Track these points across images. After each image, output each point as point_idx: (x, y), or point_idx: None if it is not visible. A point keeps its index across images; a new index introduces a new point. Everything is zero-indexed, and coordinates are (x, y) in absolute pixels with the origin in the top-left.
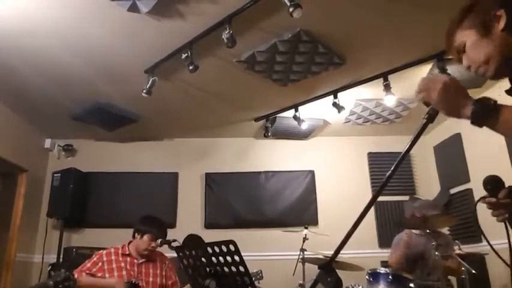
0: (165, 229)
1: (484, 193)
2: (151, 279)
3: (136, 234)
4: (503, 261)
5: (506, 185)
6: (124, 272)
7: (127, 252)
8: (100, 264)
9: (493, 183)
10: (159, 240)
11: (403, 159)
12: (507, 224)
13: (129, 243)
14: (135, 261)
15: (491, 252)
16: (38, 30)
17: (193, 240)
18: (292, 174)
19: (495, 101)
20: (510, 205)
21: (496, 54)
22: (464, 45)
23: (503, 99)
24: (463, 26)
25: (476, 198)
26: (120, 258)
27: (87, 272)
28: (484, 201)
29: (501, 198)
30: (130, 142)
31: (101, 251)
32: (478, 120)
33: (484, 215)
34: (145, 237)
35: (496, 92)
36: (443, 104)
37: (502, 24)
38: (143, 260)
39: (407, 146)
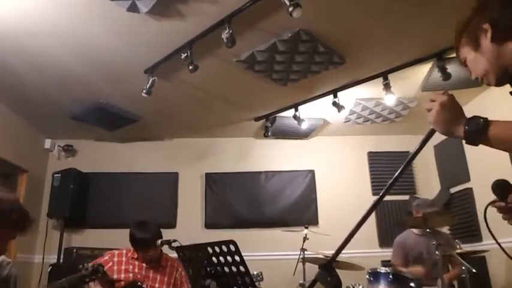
0: (156, 232)
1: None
2: (157, 285)
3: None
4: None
5: None
6: (131, 275)
7: (135, 256)
8: (110, 263)
9: (501, 188)
10: (159, 241)
11: (409, 164)
12: None
13: None
14: (143, 265)
15: (492, 251)
16: (38, 30)
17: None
18: (292, 174)
19: (485, 119)
20: None
21: (491, 66)
22: (465, 60)
23: (504, 98)
24: (461, 43)
25: (476, 198)
26: (130, 261)
27: None
28: (493, 206)
29: (510, 202)
30: (130, 142)
31: (114, 250)
32: (471, 140)
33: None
34: (140, 250)
35: (497, 91)
36: (439, 125)
37: (489, 36)
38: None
39: (414, 151)
